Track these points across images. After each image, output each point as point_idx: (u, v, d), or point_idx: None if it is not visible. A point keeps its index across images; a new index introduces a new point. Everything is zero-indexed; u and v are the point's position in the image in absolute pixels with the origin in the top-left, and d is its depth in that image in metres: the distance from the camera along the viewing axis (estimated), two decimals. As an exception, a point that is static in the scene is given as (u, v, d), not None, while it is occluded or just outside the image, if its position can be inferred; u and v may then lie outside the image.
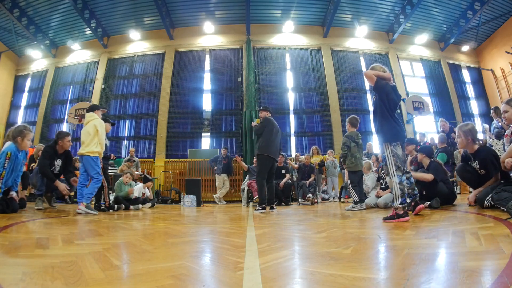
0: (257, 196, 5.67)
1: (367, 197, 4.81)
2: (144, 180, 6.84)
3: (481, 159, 3.12)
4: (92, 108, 4.33)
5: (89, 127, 4.10)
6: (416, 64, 11.77)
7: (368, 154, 7.57)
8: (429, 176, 3.60)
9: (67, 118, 10.09)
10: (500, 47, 10.93)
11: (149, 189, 6.28)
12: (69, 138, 4.43)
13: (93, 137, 4.03)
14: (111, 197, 5.04)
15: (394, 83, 2.99)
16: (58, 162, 4.38)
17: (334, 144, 9.65)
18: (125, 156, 8.72)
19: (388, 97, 2.79)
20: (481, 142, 3.38)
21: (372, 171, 5.33)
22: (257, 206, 4.43)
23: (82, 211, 3.65)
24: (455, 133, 7.30)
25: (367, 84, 10.89)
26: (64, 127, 10.66)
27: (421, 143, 6.66)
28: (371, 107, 10.67)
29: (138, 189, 5.55)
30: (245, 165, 7.49)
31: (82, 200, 3.81)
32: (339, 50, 11.22)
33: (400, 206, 2.53)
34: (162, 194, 8.55)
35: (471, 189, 6.14)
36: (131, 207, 5.10)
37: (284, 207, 5.92)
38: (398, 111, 3.15)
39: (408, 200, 2.58)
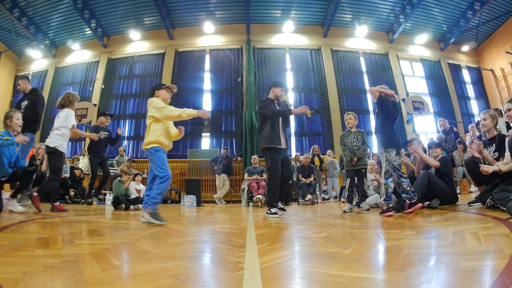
0: (261, 196, 5.54)
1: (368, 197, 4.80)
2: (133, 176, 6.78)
3: (500, 138, 3.19)
4: (152, 92, 3.19)
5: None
6: (416, 64, 11.77)
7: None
8: (435, 162, 3.69)
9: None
10: (500, 47, 10.93)
11: (143, 186, 6.21)
12: (20, 81, 4.52)
13: (148, 127, 3.00)
14: (110, 197, 5.04)
15: (396, 100, 3.42)
16: (25, 102, 4.43)
17: (334, 144, 9.64)
18: (116, 156, 8.70)
19: (388, 110, 3.30)
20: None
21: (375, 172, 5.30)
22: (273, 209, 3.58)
23: (145, 220, 2.76)
24: (454, 132, 7.32)
25: (367, 84, 10.90)
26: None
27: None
28: (371, 107, 10.68)
29: (132, 187, 5.54)
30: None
31: (146, 206, 2.87)
32: (339, 50, 11.21)
33: (384, 202, 3.11)
34: (162, 194, 8.53)
35: (471, 189, 6.17)
36: (131, 207, 5.10)
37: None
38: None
39: (393, 198, 3.18)
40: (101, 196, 5.53)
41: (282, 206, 3.92)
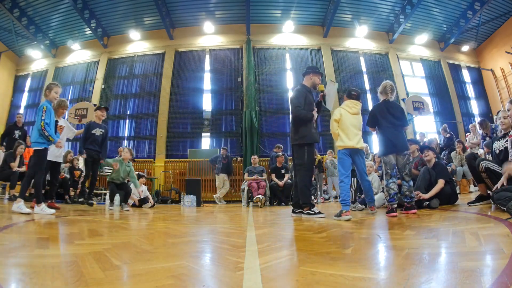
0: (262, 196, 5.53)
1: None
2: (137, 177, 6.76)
3: None
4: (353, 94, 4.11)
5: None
6: (416, 64, 11.76)
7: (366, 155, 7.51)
8: (441, 184, 3.60)
9: (67, 118, 10.08)
10: (500, 47, 10.92)
11: (145, 187, 6.21)
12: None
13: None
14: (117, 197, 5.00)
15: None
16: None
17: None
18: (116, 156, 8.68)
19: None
20: None
21: (374, 172, 5.28)
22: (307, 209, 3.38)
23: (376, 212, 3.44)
24: (447, 138, 7.34)
25: (367, 84, 10.90)
26: (64, 127, 10.65)
27: (421, 143, 6.66)
28: (370, 107, 10.66)
29: (133, 189, 5.54)
30: None
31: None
32: (339, 50, 11.20)
33: (388, 204, 3.12)
34: (162, 194, 8.55)
35: (471, 189, 6.17)
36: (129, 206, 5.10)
37: (284, 207, 5.92)
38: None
39: (394, 201, 3.09)
40: (91, 201, 5.26)
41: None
